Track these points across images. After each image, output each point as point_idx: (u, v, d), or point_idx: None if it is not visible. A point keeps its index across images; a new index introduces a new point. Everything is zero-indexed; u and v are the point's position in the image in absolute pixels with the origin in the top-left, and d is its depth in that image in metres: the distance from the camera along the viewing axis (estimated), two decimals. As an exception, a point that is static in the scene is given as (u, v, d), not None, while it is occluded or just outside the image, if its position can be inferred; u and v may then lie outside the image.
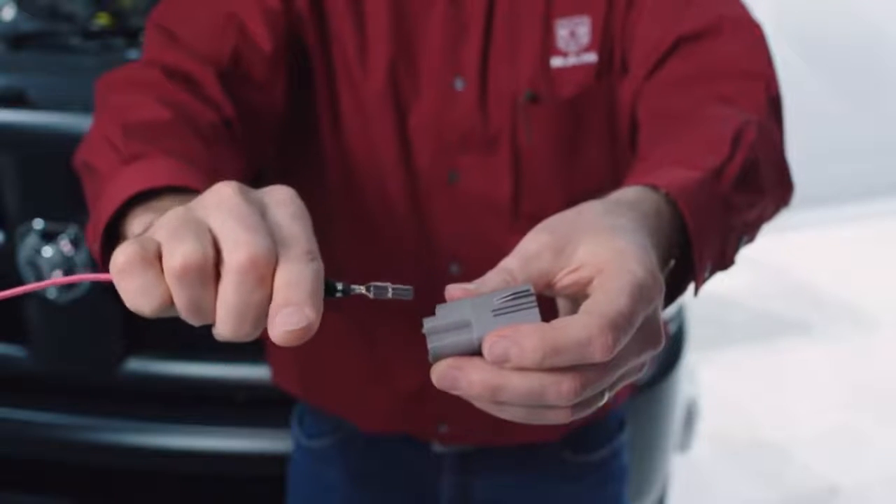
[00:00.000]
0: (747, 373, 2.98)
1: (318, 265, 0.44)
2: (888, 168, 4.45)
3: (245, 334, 0.45)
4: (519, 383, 0.43)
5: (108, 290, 1.63)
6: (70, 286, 1.51)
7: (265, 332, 1.21)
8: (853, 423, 2.71)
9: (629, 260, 0.46)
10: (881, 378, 2.96)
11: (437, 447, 1.05)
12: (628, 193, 0.57)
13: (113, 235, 0.59)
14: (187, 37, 0.81)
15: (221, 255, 0.43)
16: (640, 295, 0.45)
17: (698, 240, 0.57)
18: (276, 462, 1.34)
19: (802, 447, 2.58)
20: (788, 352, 3.13)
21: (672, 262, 0.57)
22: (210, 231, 0.44)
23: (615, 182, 0.93)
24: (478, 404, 0.46)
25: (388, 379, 1.01)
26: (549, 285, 0.48)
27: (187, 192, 0.57)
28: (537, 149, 0.90)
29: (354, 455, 1.09)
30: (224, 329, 0.44)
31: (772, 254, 3.77)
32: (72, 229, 1.50)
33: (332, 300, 0.46)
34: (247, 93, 0.82)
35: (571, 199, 0.92)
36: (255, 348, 1.42)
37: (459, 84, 0.88)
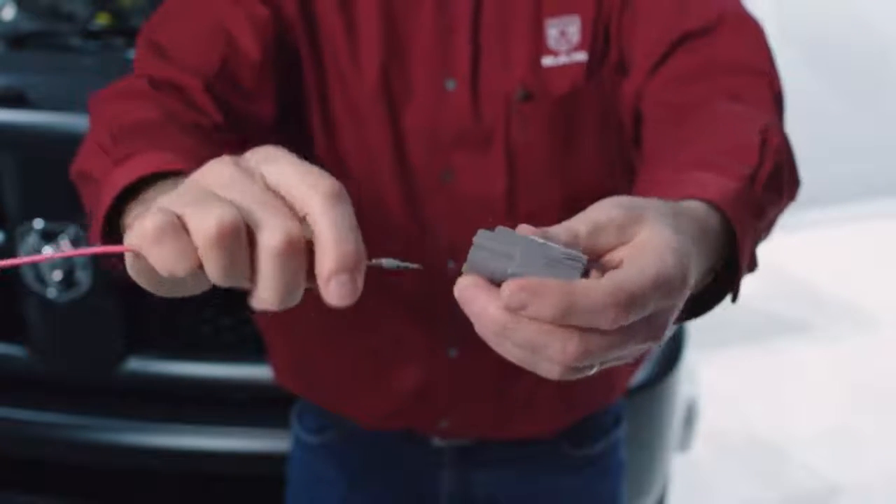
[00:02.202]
0: (747, 372, 2.98)
1: (342, 208, 0.45)
2: (888, 168, 4.45)
3: (291, 303, 0.45)
4: (529, 331, 0.44)
5: (109, 289, 1.63)
6: (70, 286, 1.51)
7: (266, 329, 1.21)
8: (853, 423, 2.71)
9: (668, 252, 0.46)
10: (881, 378, 2.96)
11: (437, 442, 1.06)
12: (695, 208, 0.57)
13: (113, 235, 0.59)
14: (175, 49, 0.82)
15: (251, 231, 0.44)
16: (664, 285, 0.45)
17: (743, 247, 0.58)
18: (276, 462, 1.34)
19: (802, 447, 2.58)
20: (788, 352, 3.14)
21: (713, 276, 0.58)
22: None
23: (609, 179, 0.94)
24: (479, 330, 0.46)
25: (389, 377, 1.02)
26: (600, 258, 0.48)
27: (177, 178, 0.56)
28: (531, 147, 0.90)
29: (354, 451, 1.09)
30: (269, 302, 0.45)
31: (772, 254, 3.75)
32: (72, 229, 1.50)
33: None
34: (236, 100, 0.82)
35: (566, 197, 0.94)
36: (256, 348, 1.42)
37: (450, 85, 0.89)
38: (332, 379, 1.06)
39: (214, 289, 0.49)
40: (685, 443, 1.89)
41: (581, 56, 0.88)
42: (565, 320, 0.43)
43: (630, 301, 0.44)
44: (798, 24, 4.09)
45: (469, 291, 0.45)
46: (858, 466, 2.50)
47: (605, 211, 0.48)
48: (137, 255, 0.45)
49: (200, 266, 0.44)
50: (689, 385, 1.85)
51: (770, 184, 0.66)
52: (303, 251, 0.44)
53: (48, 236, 1.50)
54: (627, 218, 0.48)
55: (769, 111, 0.76)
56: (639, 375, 1.57)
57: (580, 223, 0.48)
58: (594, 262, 0.48)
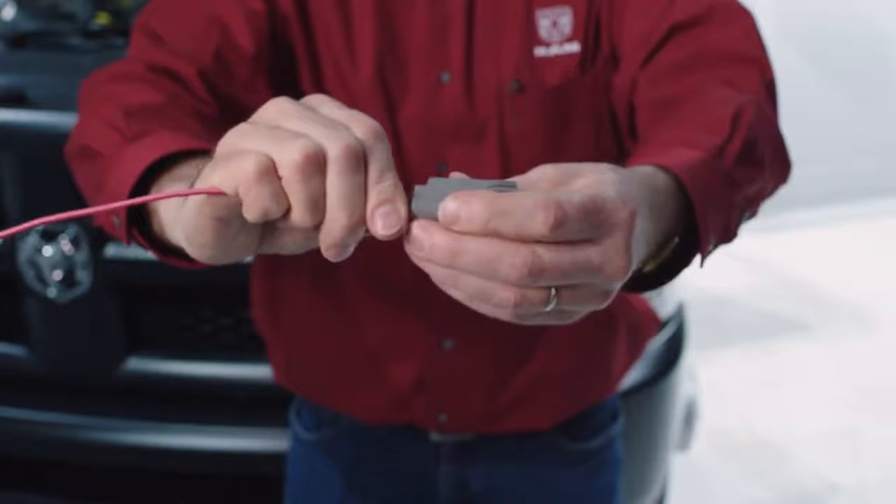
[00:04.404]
0: (746, 372, 2.99)
1: (380, 147, 0.48)
2: (888, 168, 4.45)
3: (357, 222, 0.47)
4: (477, 248, 0.45)
5: (109, 289, 1.62)
6: (70, 286, 1.51)
7: (263, 329, 1.20)
8: (852, 423, 2.71)
9: (608, 184, 0.48)
10: (881, 378, 2.96)
11: (436, 436, 1.06)
12: (642, 169, 0.58)
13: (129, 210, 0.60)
14: (170, 38, 0.82)
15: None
16: (601, 205, 0.47)
17: (702, 213, 0.59)
18: (276, 461, 1.35)
19: (801, 446, 2.58)
20: (788, 351, 3.14)
21: (676, 239, 0.59)
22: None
23: None
24: (437, 278, 0.48)
25: (386, 372, 1.02)
26: None
27: (203, 157, 0.58)
28: (524, 138, 0.91)
29: (353, 446, 1.09)
30: (340, 219, 0.47)
31: (772, 254, 3.77)
32: (72, 229, 1.50)
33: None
34: (231, 91, 0.83)
35: None
36: (255, 348, 1.42)
37: (445, 77, 0.90)
38: (330, 376, 1.07)
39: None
40: (685, 443, 1.89)
41: (573, 47, 0.89)
42: (498, 224, 0.45)
43: (560, 206, 0.45)
44: (797, 22, 4.10)
45: (415, 235, 0.47)
46: (858, 466, 2.51)
47: (537, 170, 0.50)
48: (210, 203, 0.47)
49: (287, 209, 0.47)
50: (689, 385, 1.85)
51: (744, 157, 0.67)
52: (363, 165, 0.47)
53: (48, 236, 1.50)
54: (562, 174, 0.49)
55: (758, 95, 0.76)
56: (639, 375, 1.57)
57: (512, 179, 0.49)
58: None
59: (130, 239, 0.61)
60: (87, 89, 0.79)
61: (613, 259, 0.47)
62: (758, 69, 0.80)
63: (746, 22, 0.84)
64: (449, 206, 0.45)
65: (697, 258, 0.61)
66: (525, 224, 0.45)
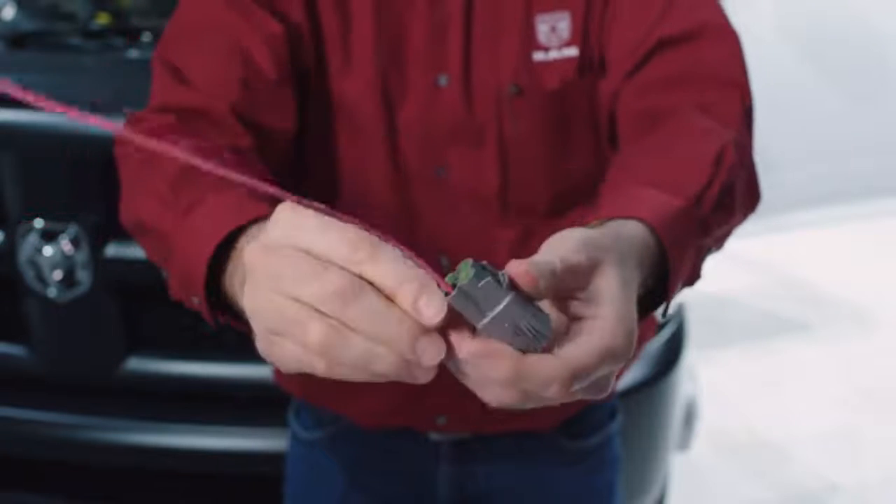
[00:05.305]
0: (746, 372, 2.99)
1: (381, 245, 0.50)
2: (888, 168, 4.45)
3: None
4: (502, 390, 0.51)
5: (109, 289, 1.62)
6: (70, 286, 1.51)
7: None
8: (852, 423, 2.71)
9: (619, 328, 0.51)
10: (881, 378, 2.96)
11: (435, 436, 1.06)
12: (639, 236, 0.60)
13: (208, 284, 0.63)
14: (194, 73, 0.82)
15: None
16: (611, 358, 0.51)
17: (675, 267, 0.62)
18: (276, 461, 1.35)
19: (801, 447, 2.58)
20: (788, 351, 3.14)
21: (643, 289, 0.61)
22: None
23: (600, 175, 0.95)
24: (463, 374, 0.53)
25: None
26: (563, 300, 0.53)
27: (257, 223, 0.60)
28: (523, 141, 0.91)
29: (352, 446, 1.09)
30: (383, 340, 0.50)
31: (772, 254, 3.77)
32: (72, 229, 1.50)
33: None
34: (261, 118, 0.82)
35: (557, 192, 0.95)
36: (255, 348, 1.42)
37: (443, 80, 0.90)
38: (330, 383, 1.06)
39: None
40: (685, 443, 1.89)
41: (572, 52, 0.89)
42: (516, 386, 0.49)
43: (576, 376, 0.49)
44: (797, 23, 4.10)
45: (454, 342, 0.50)
46: (858, 466, 2.51)
47: (577, 256, 0.52)
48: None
49: None
50: (689, 385, 1.85)
51: (720, 203, 0.69)
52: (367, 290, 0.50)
53: (48, 236, 1.50)
54: (589, 270, 0.52)
55: (737, 125, 0.78)
56: (639, 375, 1.57)
57: (557, 262, 0.51)
58: (561, 300, 0.52)
59: (214, 319, 0.64)
60: (123, 149, 0.78)
61: (603, 388, 0.53)
62: (739, 94, 0.82)
63: (734, 44, 0.85)
64: (474, 356, 0.49)
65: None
66: (540, 392, 0.50)
